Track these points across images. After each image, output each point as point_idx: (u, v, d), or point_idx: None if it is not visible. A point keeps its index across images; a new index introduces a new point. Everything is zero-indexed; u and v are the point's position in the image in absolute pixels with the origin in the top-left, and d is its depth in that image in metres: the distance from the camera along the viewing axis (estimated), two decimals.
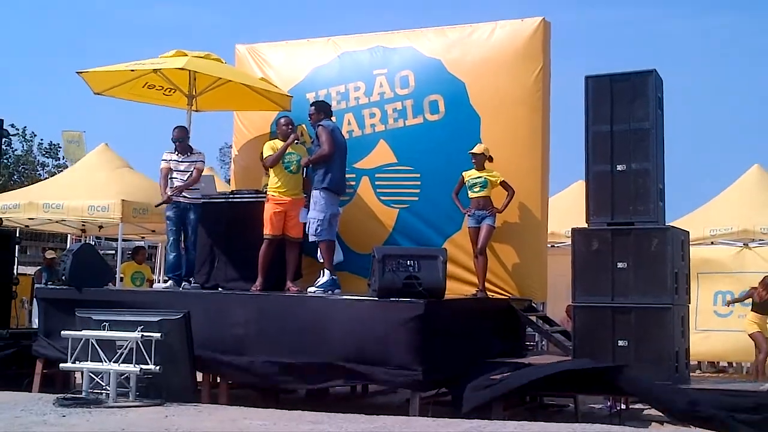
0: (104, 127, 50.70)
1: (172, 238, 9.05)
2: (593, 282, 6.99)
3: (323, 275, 8.19)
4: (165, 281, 9.99)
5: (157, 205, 9.29)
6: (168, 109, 10.87)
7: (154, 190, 9.77)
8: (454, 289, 8.53)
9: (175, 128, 9.24)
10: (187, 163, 9.07)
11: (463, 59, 9.48)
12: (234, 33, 75.56)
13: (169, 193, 8.95)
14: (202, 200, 9.12)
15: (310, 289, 8.10)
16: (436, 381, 7.18)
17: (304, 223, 8.58)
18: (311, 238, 8.30)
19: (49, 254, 13.43)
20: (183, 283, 8.83)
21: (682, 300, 7.14)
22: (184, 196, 8.99)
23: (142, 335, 7.00)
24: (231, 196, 9.54)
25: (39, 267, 13.66)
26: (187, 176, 9.01)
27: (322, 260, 8.40)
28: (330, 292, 8.02)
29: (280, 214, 8.55)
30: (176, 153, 9.10)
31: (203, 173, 9.35)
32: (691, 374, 7.45)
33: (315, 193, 8.32)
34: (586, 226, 7.27)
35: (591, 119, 7.33)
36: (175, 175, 9.04)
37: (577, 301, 7.02)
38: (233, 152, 11.14)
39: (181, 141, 9.13)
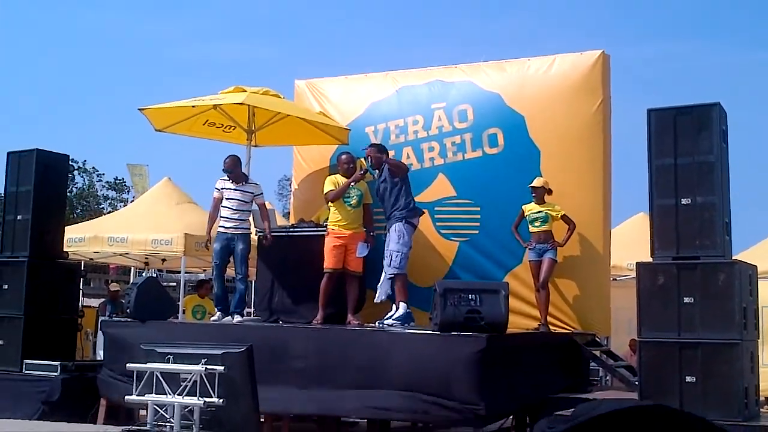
0: (167, 161, 51.61)
1: (216, 272, 9.13)
2: (659, 317, 6.86)
3: (398, 308, 8.21)
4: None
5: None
6: (229, 144, 11.04)
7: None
8: (516, 323, 8.46)
9: (227, 157, 9.23)
10: (241, 192, 9.12)
11: (522, 93, 9.48)
12: (293, 68, 76.61)
13: (226, 227, 9.01)
14: (260, 233, 9.19)
15: (386, 323, 8.11)
16: (498, 416, 7.11)
17: (364, 257, 8.64)
18: (392, 271, 8.34)
19: (113, 287, 13.66)
20: (236, 317, 8.85)
21: (751, 335, 6.97)
22: (228, 228, 9.02)
23: (206, 368, 7.03)
24: (291, 229, 9.62)
25: (103, 299, 13.88)
26: (238, 204, 9.04)
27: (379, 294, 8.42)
28: (407, 325, 8.02)
29: (340, 248, 8.61)
30: (229, 181, 9.18)
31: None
32: (761, 410, 7.24)
33: (398, 226, 8.40)
34: (650, 260, 7.15)
35: (654, 152, 7.23)
36: (226, 203, 9.06)
37: (642, 336, 6.89)
38: (293, 186, 11.24)
39: (233, 170, 9.15)
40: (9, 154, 9.92)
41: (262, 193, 9.32)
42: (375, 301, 8.61)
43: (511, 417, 7.66)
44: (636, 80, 61.27)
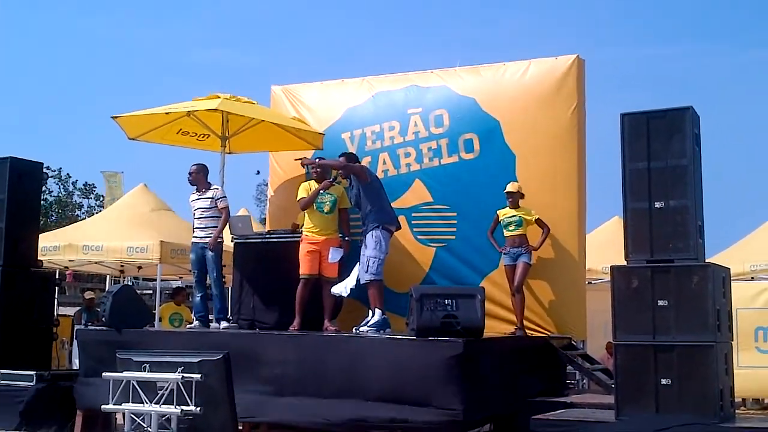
0: (142, 168, 51.26)
1: (195, 280, 9.21)
2: (634, 320, 6.89)
3: (374, 314, 8.21)
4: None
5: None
6: (204, 151, 11.01)
7: (190, 231, 9.87)
8: (493, 328, 8.50)
9: (192, 166, 9.35)
10: (204, 199, 9.16)
11: (498, 97, 9.54)
12: (269, 74, 76.42)
13: (198, 237, 9.05)
14: (238, 240, 9.19)
15: (361, 329, 8.11)
16: (476, 421, 7.13)
17: (340, 263, 8.64)
18: (367, 277, 8.31)
19: (89, 295, 13.59)
20: (222, 323, 8.88)
21: (725, 337, 7.02)
22: (199, 237, 9.08)
23: (183, 376, 7.00)
24: (267, 236, 9.62)
25: (78, 308, 13.78)
26: (203, 212, 9.11)
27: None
28: (382, 331, 8.03)
29: (315, 254, 8.62)
30: (196, 191, 9.23)
31: (240, 214, 9.44)
32: (736, 412, 7.30)
33: (375, 232, 8.38)
34: (625, 263, 7.21)
35: (627, 156, 7.27)
36: (194, 213, 9.16)
37: (618, 339, 6.92)
38: (269, 192, 11.24)
39: (198, 178, 9.25)
40: None
41: (223, 197, 9.25)
42: (332, 291, 8.53)
43: (490, 423, 7.66)
44: (611, 84, 61.56)
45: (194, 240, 9.15)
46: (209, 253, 9.01)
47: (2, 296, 9.27)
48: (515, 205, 8.84)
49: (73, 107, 68.33)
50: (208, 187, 9.25)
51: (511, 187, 8.87)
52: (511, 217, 8.80)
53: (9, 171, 9.53)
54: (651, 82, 64.14)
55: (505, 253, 8.79)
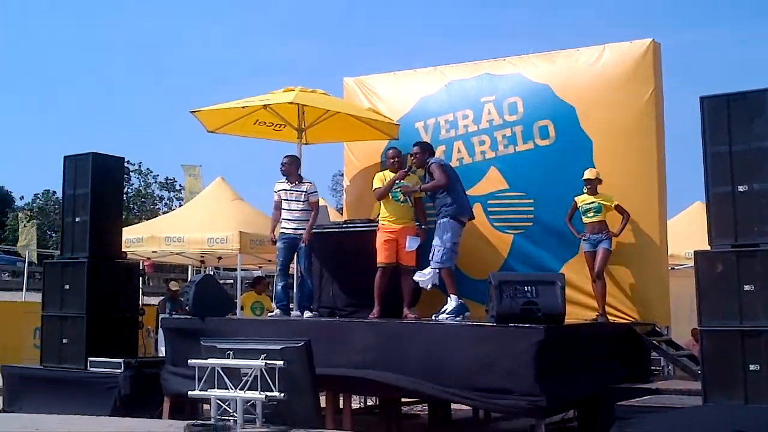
0: (220, 161, 52.19)
1: (279, 268, 9.29)
2: (719, 305, 6.78)
3: (450, 301, 8.25)
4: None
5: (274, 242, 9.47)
6: (280, 142, 11.17)
7: (268, 222, 10.04)
8: (574, 314, 8.42)
9: (285, 157, 9.46)
10: (298, 192, 9.27)
11: (572, 83, 9.43)
12: (342, 67, 76.94)
13: (288, 228, 9.16)
14: (316, 230, 9.31)
15: (440, 317, 8.15)
16: (560, 407, 7.10)
17: (418, 251, 8.69)
18: (433, 265, 8.36)
19: (173, 285, 13.88)
20: (306, 312, 9.00)
21: None
22: (290, 228, 9.19)
23: (266, 363, 7.15)
24: (344, 225, 9.71)
25: (162, 297, 14.13)
26: (295, 205, 9.22)
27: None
28: (461, 316, 8.06)
29: (392, 242, 8.68)
30: (287, 182, 9.34)
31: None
32: None
33: (442, 221, 8.42)
34: (708, 248, 7.09)
35: (708, 140, 7.14)
36: (285, 205, 9.26)
37: (703, 325, 6.82)
38: (345, 182, 11.33)
39: (290, 170, 9.35)
40: (66, 158, 10.10)
41: (315, 192, 9.43)
42: (415, 278, 8.54)
43: (573, 409, 7.62)
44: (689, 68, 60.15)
45: (283, 230, 9.25)
46: (301, 245, 9.13)
47: (89, 287, 9.50)
48: (593, 192, 8.76)
49: (153, 103, 69.87)
50: (300, 179, 9.37)
51: (588, 174, 8.79)
52: (589, 203, 8.72)
53: (92, 166, 9.78)
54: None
55: (584, 240, 8.72)
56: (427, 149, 9.01)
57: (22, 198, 51.29)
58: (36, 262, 27.87)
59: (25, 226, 26.64)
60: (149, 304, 11.85)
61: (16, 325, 12.70)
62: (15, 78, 71.36)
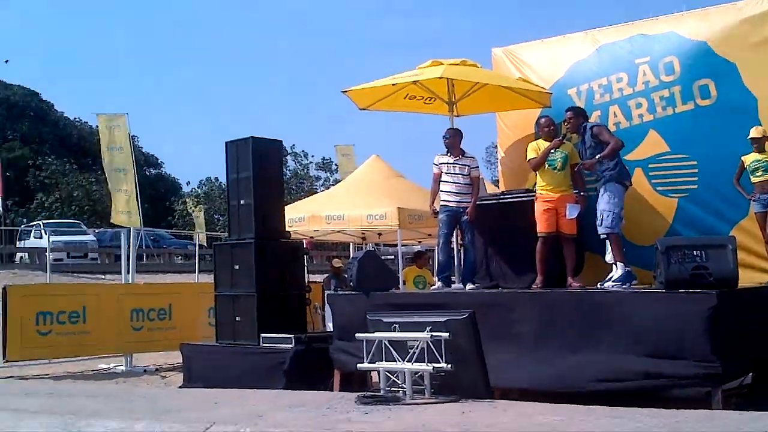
0: (372, 140, 53.02)
1: (442, 241, 9.37)
2: None
3: (617, 268, 8.11)
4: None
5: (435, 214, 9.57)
6: (432, 116, 11.25)
7: (425, 197, 10.14)
8: (747, 278, 8.11)
9: (448, 130, 9.56)
10: (460, 166, 9.33)
11: (731, 39, 9.04)
12: (489, 38, 76.30)
13: (450, 201, 9.23)
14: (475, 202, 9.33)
15: (606, 285, 8.04)
16: (736, 374, 6.87)
17: (579, 219, 8.58)
18: (602, 231, 8.25)
19: (336, 263, 14.24)
20: (468, 285, 9.07)
21: None
22: (453, 201, 9.25)
23: (431, 335, 7.24)
24: (502, 197, 9.70)
25: (326, 275, 14.56)
26: (458, 178, 9.27)
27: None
28: (628, 285, 7.92)
29: (551, 212, 8.61)
30: (448, 155, 9.39)
31: None
32: None
33: (608, 186, 8.29)
34: None
35: None
36: (446, 178, 9.32)
37: None
38: (499, 153, 11.30)
39: (454, 143, 9.41)
40: (227, 143, 10.48)
41: (477, 167, 9.51)
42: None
43: (750, 374, 7.32)
44: None
45: (445, 203, 9.33)
46: (464, 218, 9.21)
47: (257, 266, 9.89)
48: (761, 150, 8.39)
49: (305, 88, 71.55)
50: (463, 153, 9.45)
51: (755, 132, 8.43)
52: (757, 162, 8.37)
53: (252, 150, 10.12)
54: None
55: (754, 200, 8.38)
56: (580, 114, 8.86)
57: (188, 184, 54.10)
58: (206, 245, 29.34)
59: (193, 211, 28.06)
60: (314, 282, 12.22)
61: (192, 305, 13.42)
62: (175, 68, 74.68)
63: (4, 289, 12.27)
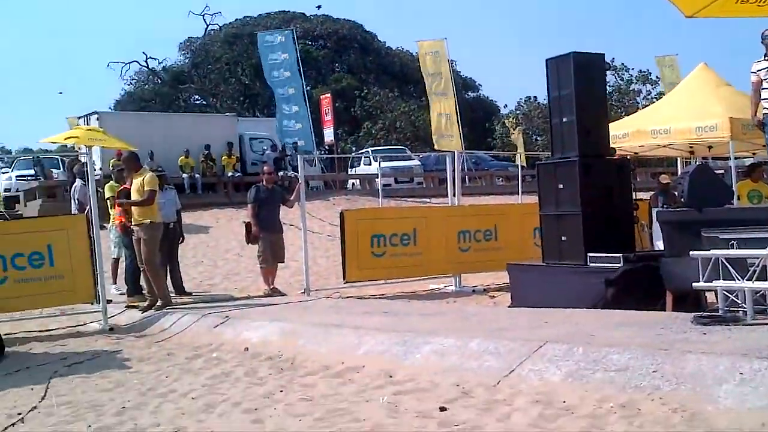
0: (697, 49, 49.78)
1: None
2: None
3: None
4: None
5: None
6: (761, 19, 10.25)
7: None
8: None
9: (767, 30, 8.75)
10: None
11: None
12: None
13: None
14: None
15: None
16: None
17: None
18: None
19: (664, 179, 13.67)
20: None
21: None
22: None
23: None
24: None
25: (652, 192, 14.04)
26: None
27: None
28: None
29: None
30: (765, 60, 8.60)
31: None
32: None
33: None
34: None
35: None
36: (766, 85, 8.58)
37: None
38: None
39: None
40: (548, 60, 10.35)
41: None
42: None
43: None
44: None
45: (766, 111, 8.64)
46: None
47: (582, 185, 9.77)
48: None
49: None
50: None
51: None
52: None
53: (573, 66, 9.91)
54: None
55: None
56: None
57: (505, 106, 54.66)
58: (525, 165, 29.54)
59: (513, 132, 28.34)
60: (641, 199, 11.83)
61: (517, 226, 13.59)
62: None
63: (341, 213, 13.13)
